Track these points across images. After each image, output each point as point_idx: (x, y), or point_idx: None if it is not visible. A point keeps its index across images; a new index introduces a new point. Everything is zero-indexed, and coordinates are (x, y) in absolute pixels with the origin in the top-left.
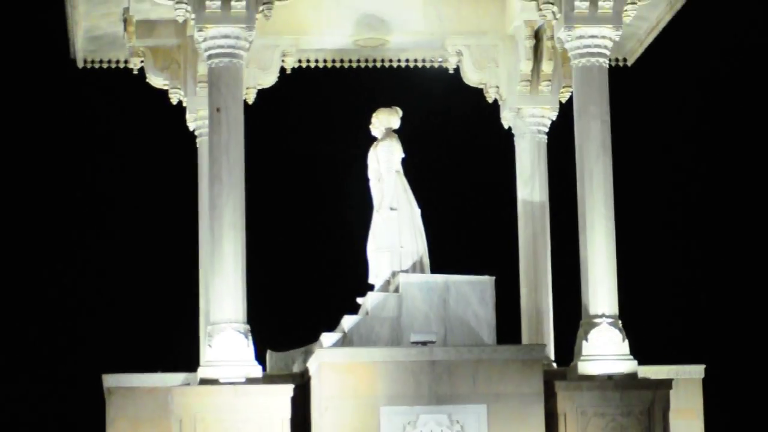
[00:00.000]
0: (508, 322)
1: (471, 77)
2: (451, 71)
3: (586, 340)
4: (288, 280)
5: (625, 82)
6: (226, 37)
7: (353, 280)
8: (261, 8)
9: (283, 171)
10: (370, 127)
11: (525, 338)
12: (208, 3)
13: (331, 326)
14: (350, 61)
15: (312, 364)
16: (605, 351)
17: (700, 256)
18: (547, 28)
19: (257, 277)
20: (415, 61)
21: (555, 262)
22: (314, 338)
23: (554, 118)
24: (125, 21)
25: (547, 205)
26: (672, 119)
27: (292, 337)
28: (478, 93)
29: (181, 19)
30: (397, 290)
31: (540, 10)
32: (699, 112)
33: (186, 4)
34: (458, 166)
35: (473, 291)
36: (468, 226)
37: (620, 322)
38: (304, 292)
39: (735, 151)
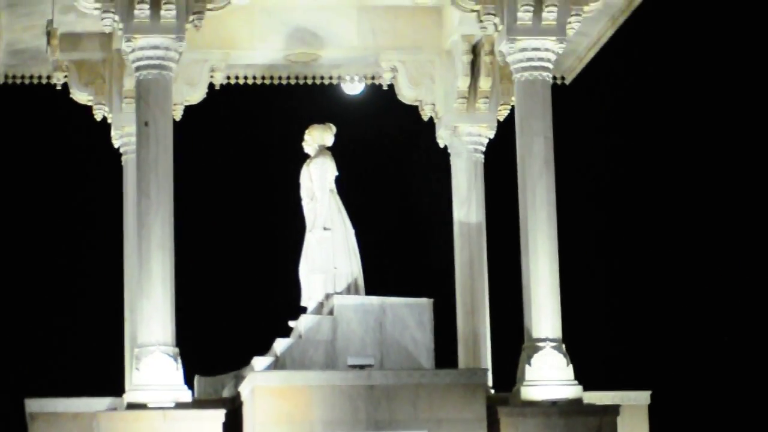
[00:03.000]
0: (444, 346)
1: (406, 94)
2: (385, 87)
3: (529, 364)
4: (216, 302)
5: (563, 101)
6: (155, 48)
7: (284, 303)
8: (191, 18)
9: (212, 190)
10: (303, 144)
11: (462, 363)
12: (136, 12)
13: (262, 350)
14: (280, 78)
15: (244, 389)
16: (549, 376)
17: (646, 279)
18: (485, 42)
19: (184, 298)
20: (348, 78)
21: (491, 284)
22: (244, 363)
23: (492, 137)
24: (49, 34)
25: (484, 225)
26: (611, 139)
27: (221, 362)
28: (412, 110)
29: (108, 29)
30: (331, 313)
31: (481, 21)
32: (638, 132)
33: (113, 13)
34: (393, 185)
35: (411, 313)
36: (403, 247)
37: (564, 346)
38: (233, 315)
39: (675, 171)
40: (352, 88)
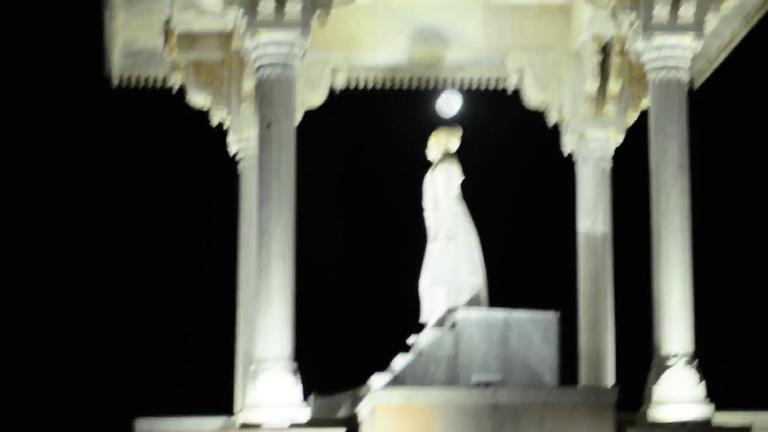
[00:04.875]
0: (565, 363)
1: (533, 97)
2: (509, 92)
3: (658, 382)
4: (331, 318)
5: (691, 106)
6: (278, 44)
7: (403, 318)
8: (317, 12)
9: (331, 199)
10: (427, 149)
11: (584, 380)
12: (260, 7)
13: (380, 368)
14: (402, 80)
15: (363, 408)
16: (679, 395)
17: None
18: (615, 42)
19: (299, 312)
20: (471, 81)
21: (616, 298)
22: (362, 381)
23: (620, 143)
24: (166, 33)
25: (610, 238)
26: (739, 146)
27: (337, 381)
28: (534, 116)
29: (230, 25)
30: (453, 327)
31: (615, 17)
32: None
33: (237, 7)
34: (515, 193)
35: (536, 328)
36: (524, 257)
37: (696, 362)
38: (350, 331)
39: None
40: (449, 108)
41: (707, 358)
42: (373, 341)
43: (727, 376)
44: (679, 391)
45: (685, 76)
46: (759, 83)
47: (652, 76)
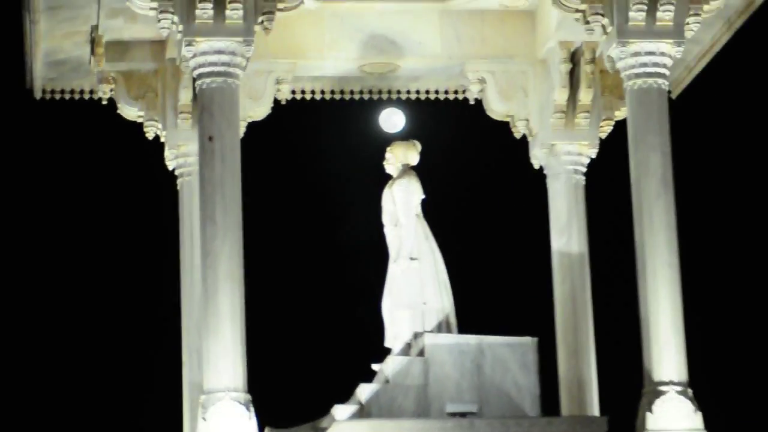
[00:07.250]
0: (544, 392)
1: (496, 109)
2: (471, 102)
3: (651, 411)
4: (287, 344)
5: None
6: (219, 52)
7: (364, 343)
8: (260, 18)
9: (281, 218)
10: (384, 163)
11: (565, 410)
12: (198, 12)
13: (342, 398)
14: (352, 92)
15: None
16: (674, 425)
17: None
18: (585, 50)
19: (251, 339)
20: (427, 92)
21: (596, 321)
22: (321, 412)
23: (593, 156)
24: (93, 41)
25: (586, 256)
26: (724, 159)
27: (294, 412)
28: (500, 127)
29: (164, 33)
30: (421, 354)
31: (587, 23)
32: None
33: (172, 13)
34: (481, 210)
35: (513, 354)
36: (495, 280)
37: (690, 390)
38: (307, 358)
39: None
40: (392, 125)
41: (699, 385)
42: (330, 370)
43: (719, 406)
44: (675, 421)
45: (665, 84)
46: (741, 92)
47: (629, 85)
